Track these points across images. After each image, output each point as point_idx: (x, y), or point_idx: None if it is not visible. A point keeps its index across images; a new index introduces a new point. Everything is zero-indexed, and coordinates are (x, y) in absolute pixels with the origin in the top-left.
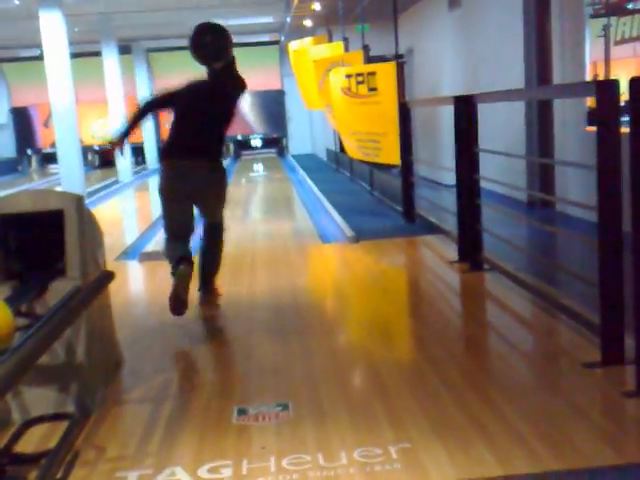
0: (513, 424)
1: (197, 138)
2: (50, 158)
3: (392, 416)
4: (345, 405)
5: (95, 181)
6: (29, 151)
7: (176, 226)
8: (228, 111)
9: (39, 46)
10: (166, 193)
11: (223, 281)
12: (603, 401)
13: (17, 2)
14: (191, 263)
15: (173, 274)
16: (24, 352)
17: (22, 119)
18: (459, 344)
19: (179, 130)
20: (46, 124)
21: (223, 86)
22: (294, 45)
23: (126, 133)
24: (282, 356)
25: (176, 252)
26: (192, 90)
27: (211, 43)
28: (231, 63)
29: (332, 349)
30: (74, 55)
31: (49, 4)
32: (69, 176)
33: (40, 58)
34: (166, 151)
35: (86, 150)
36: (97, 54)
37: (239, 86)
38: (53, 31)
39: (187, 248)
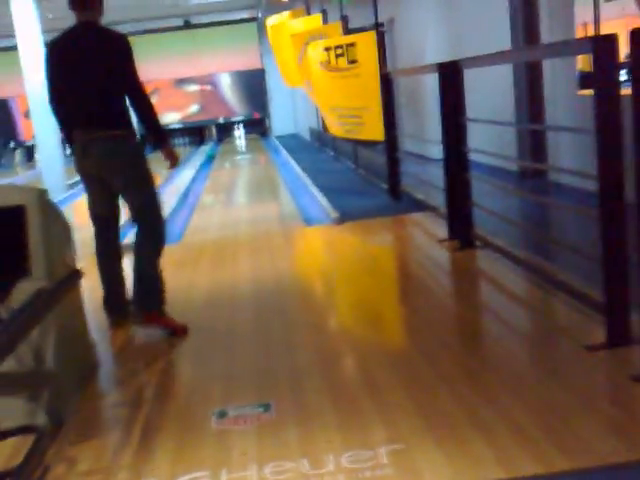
0: (514, 419)
1: (77, 106)
2: (34, 150)
3: (383, 414)
4: (332, 403)
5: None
6: (12, 144)
7: (92, 216)
8: (99, 70)
9: (14, 36)
10: (78, 173)
11: (204, 271)
12: (611, 388)
13: None
14: (113, 308)
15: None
16: None
17: (2, 111)
18: (453, 330)
19: (60, 101)
20: (27, 116)
21: (84, 41)
22: (271, 20)
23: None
24: (265, 351)
25: (102, 283)
26: (54, 52)
27: None
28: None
29: (318, 341)
30: None
31: None
32: (50, 168)
33: (16, 48)
34: (61, 125)
35: None
36: None
37: (110, 42)
38: (25, 19)
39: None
